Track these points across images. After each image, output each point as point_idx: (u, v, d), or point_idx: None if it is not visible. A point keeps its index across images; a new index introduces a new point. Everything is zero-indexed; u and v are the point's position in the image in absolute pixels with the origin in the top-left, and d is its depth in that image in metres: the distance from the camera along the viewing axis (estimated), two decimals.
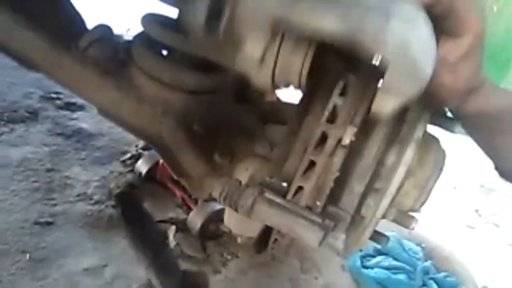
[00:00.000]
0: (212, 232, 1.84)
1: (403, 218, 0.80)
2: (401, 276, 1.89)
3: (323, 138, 0.76)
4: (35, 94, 2.46)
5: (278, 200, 0.75)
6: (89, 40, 1.08)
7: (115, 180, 2.03)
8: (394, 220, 0.81)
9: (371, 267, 1.92)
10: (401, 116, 0.79)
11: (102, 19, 1.20)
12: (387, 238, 0.92)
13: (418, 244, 2.28)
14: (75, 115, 2.42)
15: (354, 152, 0.78)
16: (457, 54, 0.63)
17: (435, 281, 1.99)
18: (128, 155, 2.19)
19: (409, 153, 0.72)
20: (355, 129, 0.70)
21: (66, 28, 1.16)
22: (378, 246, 2.02)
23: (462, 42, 0.62)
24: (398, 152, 0.77)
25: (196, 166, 1.06)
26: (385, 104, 0.60)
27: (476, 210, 2.94)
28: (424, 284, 1.94)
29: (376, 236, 0.88)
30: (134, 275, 1.59)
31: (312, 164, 0.77)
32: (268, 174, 0.85)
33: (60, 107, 2.45)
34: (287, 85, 0.72)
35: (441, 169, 0.87)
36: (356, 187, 0.80)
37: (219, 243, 1.83)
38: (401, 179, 0.72)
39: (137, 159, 2.13)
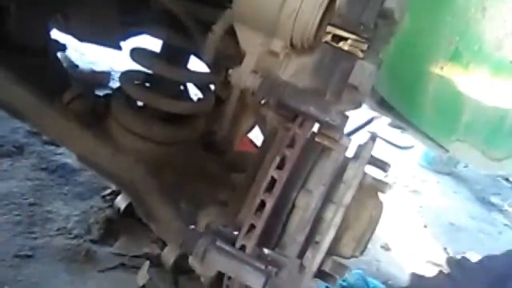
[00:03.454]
0: (185, 268, 1.92)
1: (337, 268, 0.91)
2: None
3: (273, 181, 0.87)
4: (22, 129, 2.55)
5: (228, 248, 0.86)
6: (71, 96, 1.20)
7: (95, 215, 2.11)
8: (330, 270, 0.92)
9: None
10: (340, 176, 0.92)
11: None
12: (348, 268, 1.03)
13: (385, 282, 2.37)
14: (60, 150, 2.51)
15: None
16: None
17: None
18: (108, 191, 2.28)
19: (339, 216, 0.84)
20: None
21: (51, 81, 1.29)
22: (343, 283, 2.11)
23: None
24: (335, 210, 0.89)
25: (163, 211, 1.16)
26: None
27: (445, 249, 3.05)
28: None
29: (338, 267, 0.99)
30: None
31: (262, 205, 0.88)
32: (224, 222, 0.97)
33: (46, 142, 2.53)
34: None
35: (376, 223, 0.99)
36: (298, 237, 0.92)
37: (192, 278, 1.90)
38: (332, 237, 0.84)
39: (117, 195, 2.22)
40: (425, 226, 3.24)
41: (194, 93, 1.48)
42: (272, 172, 0.83)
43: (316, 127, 0.92)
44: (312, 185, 0.93)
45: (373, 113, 4.10)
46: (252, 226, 0.85)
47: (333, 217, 0.88)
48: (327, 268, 0.92)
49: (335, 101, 0.84)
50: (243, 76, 0.86)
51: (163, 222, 1.15)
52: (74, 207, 2.15)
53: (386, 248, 2.79)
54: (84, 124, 1.20)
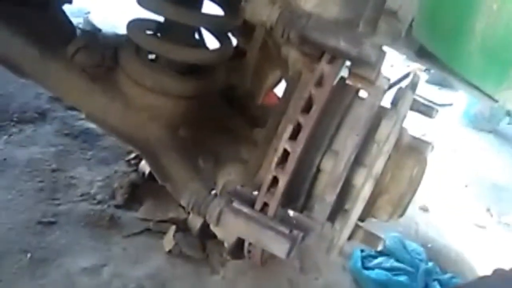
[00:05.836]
0: (212, 232, 1.84)
1: (371, 239, 0.80)
2: (402, 278, 1.87)
3: (298, 129, 0.74)
4: (44, 95, 2.49)
5: (246, 210, 0.75)
6: (75, 47, 1.09)
7: (119, 179, 2.04)
8: (362, 241, 0.80)
9: (372, 268, 1.90)
10: (371, 135, 0.79)
11: None
12: (382, 240, 0.91)
13: (424, 245, 2.25)
14: (83, 115, 2.44)
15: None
16: None
17: (440, 282, 1.96)
18: (133, 155, 2.20)
19: (369, 186, 0.71)
20: None
21: (55, 34, 1.18)
22: None
23: None
24: (366, 175, 0.76)
25: (180, 170, 1.06)
26: None
27: (488, 209, 2.88)
28: (426, 286, 1.92)
29: (371, 238, 0.88)
30: (132, 274, 1.61)
31: (286, 155, 0.75)
32: (243, 181, 0.85)
33: (69, 108, 2.47)
34: None
35: (417, 185, 0.86)
36: (328, 196, 0.79)
37: (219, 243, 1.82)
38: (362, 209, 0.72)
39: (141, 159, 2.14)
40: (466, 186, 3.06)
41: None
42: (297, 117, 0.70)
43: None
44: (342, 139, 0.80)
45: (409, 68, 3.89)
46: (275, 182, 0.73)
47: (363, 186, 0.75)
48: (358, 239, 0.80)
49: (369, 33, 0.70)
50: (258, 8, 0.72)
51: (180, 183, 1.05)
52: (98, 172, 2.09)
53: (425, 209, 2.64)
54: (90, 78, 1.09)
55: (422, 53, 1.75)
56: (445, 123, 3.77)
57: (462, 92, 4.04)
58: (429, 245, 2.31)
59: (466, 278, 2.13)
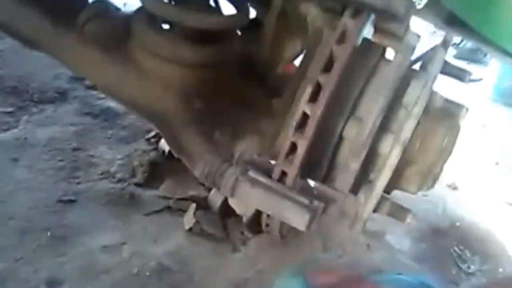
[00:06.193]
0: (233, 210, 1.81)
1: (398, 211, 0.74)
2: None
3: (317, 91, 0.69)
4: (64, 75, 2.49)
5: (263, 179, 0.70)
6: (85, 17, 1.06)
7: (139, 158, 2.03)
8: (389, 214, 0.75)
9: None
10: (397, 99, 0.73)
11: None
12: (410, 213, 0.85)
13: (452, 224, 2.18)
14: (101, 92, 2.42)
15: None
16: None
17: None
18: (153, 133, 2.18)
19: (396, 153, 0.65)
20: None
21: (67, 6, 1.14)
22: None
23: None
24: (393, 142, 0.70)
25: (196, 142, 1.02)
26: None
27: None
28: None
29: (399, 211, 0.82)
30: (152, 252, 1.59)
31: (305, 117, 0.70)
32: (260, 151, 0.80)
33: (89, 87, 2.46)
34: None
35: (449, 153, 0.80)
36: (352, 164, 0.74)
37: (240, 221, 1.79)
38: (388, 179, 0.66)
39: (161, 137, 2.12)
40: (496, 163, 2.95)
41: None
42: (317, 76, 0.65)
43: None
44: (366, 104, 0.74)
45: (436, 40, 3.75)
46: (293, 149, 0.68)
47: (389, 153, 0.69)
48: (383, 212, 0.75)
49: None
50: None
51: (196, 156, 1.01)
52: (118, 150, 2.07)
53: (453, 187, 2.55)
54: (103, 49, 1.06)
55: (451, 21, 1.66)
56: (475, 98, 3.64)
57: (492, 66, 3.88)
58: (458, 224, 2.23)
59: (496, 259, 2.05)
